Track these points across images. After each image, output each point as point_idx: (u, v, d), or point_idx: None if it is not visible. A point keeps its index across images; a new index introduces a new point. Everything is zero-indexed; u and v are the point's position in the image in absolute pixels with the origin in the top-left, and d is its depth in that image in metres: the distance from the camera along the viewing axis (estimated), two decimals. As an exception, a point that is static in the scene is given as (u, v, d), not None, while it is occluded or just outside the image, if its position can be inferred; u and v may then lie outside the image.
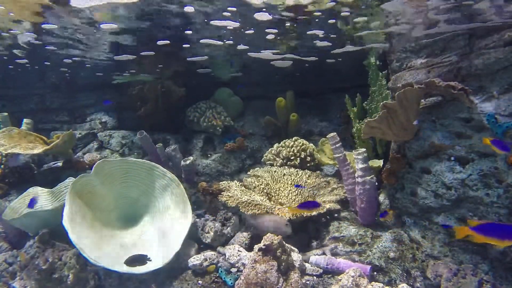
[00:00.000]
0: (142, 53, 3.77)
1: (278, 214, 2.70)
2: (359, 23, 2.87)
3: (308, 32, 3.13)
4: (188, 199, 2.95)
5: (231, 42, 3.43)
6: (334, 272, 2.47)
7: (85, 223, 2.58)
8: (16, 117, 4.13)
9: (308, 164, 3.75)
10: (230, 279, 2.42)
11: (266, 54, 3.84)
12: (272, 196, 3.27)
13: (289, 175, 3.50)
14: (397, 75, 2.92)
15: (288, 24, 2.97)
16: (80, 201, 2.67)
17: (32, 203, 2.66)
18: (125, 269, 2.34)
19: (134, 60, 3.97)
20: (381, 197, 2.93)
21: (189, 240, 2.83)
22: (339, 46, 3.63)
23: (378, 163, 3.21)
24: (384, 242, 2.57)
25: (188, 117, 4.52)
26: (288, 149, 3.80)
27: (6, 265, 2.65)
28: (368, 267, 2.39)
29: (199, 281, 2.51)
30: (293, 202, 3.21)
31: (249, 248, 2.67)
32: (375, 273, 2.42)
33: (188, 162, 3.44)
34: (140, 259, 2.31)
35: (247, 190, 3.25)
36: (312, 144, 3.91)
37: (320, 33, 3.12)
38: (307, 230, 2.98)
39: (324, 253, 2.67)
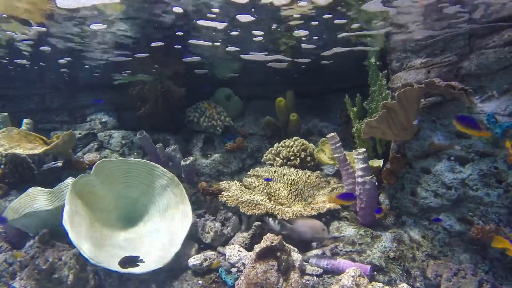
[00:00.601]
0: (137, 55, 3.79)
1: (278, 214, 2.70)
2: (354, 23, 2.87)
3: (294, 33, 3.13)
4: (188, 199, 2.95)
5: (218, 43, 3.45)
6: (334, 272, 2.47)
7: (85, 223, 2.58)
8: (16, 117, 4.12)
9: (308, 164, 3.75)
10: (230, 279, 2.42)
11: (258, 55, 3.85)
12: (272, 196, 3.27)
13: (289, 175, 3.50)
14: (397, 75, 2.92)
15: (274, 26, 2.99)
16: (80, 201, 2.67)
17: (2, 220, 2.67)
18: (125, 269, 2.34)
19: (134, 60, 3.98)
20: (381, 197, 2.93)
21: (189, 240, 2.83)
22: (328, 48, 3.65)
23: (378, 163, 3.21)
24: (384, 242, 2.57)
25: (188, 117, 4.52)
26: (288, 149, 3.80)
27: (6, 265, 2.65)
28: (368, 267, 2.39)
29: (199, 281, 2.51)
30: (293, 202, 3.21)
31: (249, 248, 2.67)
32: (375, 273, 2.42)
33: (188, 162, 3.44)
34: (132, 260, 2.30)
35: (247, 190, 3.25)
36: (312, 144, 3.91)
37: (304, 33, 3.13)
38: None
39: (324, 253, 2.67)
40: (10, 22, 2.87)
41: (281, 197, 3.28)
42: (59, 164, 3.82)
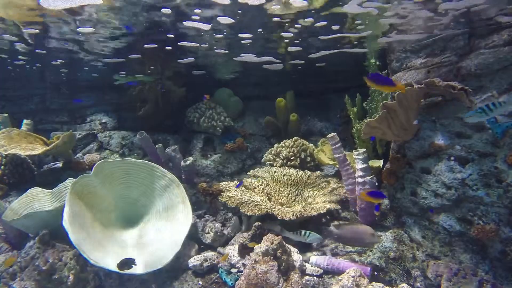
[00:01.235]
0: (130, 56, 3.80)
1: (278, 214, 2.69)
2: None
3: (283, 34, 3.15)
4: (188, 200, 2.95)
5: (206, 45, 3.48)
6: (335, 272, 2.46)
7: (85, 223, 2.58)
8: (16, 118, 4.12)
9: (308, 164, 3.75)
10: (231, 280, 2.42)
11: (249, 57, 3.87)
12: (272, 196, 3.27)
13: (289, 175, 3.50)
14: (397, 75, 2.92)
15: (260, 29, 3.02)
16: (80, 202, 2.67)
17: None
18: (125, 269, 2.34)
19: (133, 60, 3.99)
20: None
21: (189, 241, 2.83)
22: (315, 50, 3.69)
23: (378, 163, 3.21)
24: (384, 242, 2.57)
25: (188, 117, 4.52)
26: (288, 149, 3.80)
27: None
28: (369, 267, 2.38)
29: (200, 282, 2.51)
30: (293, 202, 3.21)
31: (250, 248, 2.67)
32: (375, 273, 2.42)
33: (188, 162, 3.44)
34: (128, 263, 2.30)
35: (247, 190, 3.25)
36: (312, 144, 3.91)
37: (289, 35, 3.15)
38: (308, 230, 2.97)
39: (324, 253, 2.67)
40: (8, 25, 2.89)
41: (281, 197, 3.28)
42: (59, 164, 3.82)
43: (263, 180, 3.42)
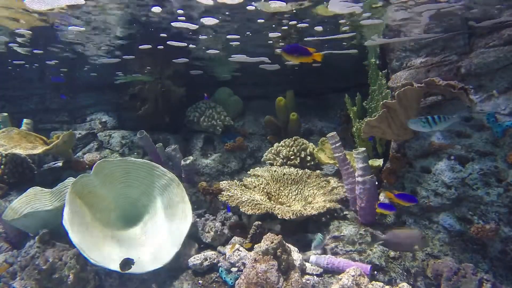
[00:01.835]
0: (125, 57, 3.82)
1: (278, 214, 2.69)
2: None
3: (270, 35, 3.17)
4: (188, 199, 2.95)
5: (194, 46, 3.52)
6: (335, 271, 2.47)
7: (85, 223, 2.58)
8: (16, 118, 4.12)
9: (308, 164, 3.75)
10: (231, 279, 2.42)
11: (241, 57, 3.90)
12: (272, 195, 3.27)
13: (289, 174, 3.50)
14: (397, 74, 2.92)
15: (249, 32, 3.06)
16: (80, 201, 2.67)
17: None
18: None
19: (134, 60, 3.99)
20: (381, 197, 2.93)
21: (189, 240, 2.83)
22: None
23: (378, 162, 3.21)
24: (384, 242, 2.56)
25: (188, 117, 4.52)
26: (288, 148, 3.80)
27: (6, 265, 2.65)
28: (369, 266, 2.38)
29: (200, 281, 2.51)
30: (293, 201, 3.21)
31: (250, 247, 2.67)
32: (375, 272, 2.42)
33: (188, 162, 3.44)
34: (129, 263, 2.31)
35: (247, 189, 3.25)
36: (312, 144, 3.91)
37: (275, 35, 3.16)
38: (308, 229, 2.98)
39: (324, 253, 2.67)
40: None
41: (281, 196, 3.28)
42: (59, 164, 3.82)
43: (263, 179, 3.42)
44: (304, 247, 2.77)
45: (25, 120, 3.91)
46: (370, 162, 3.03)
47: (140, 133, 3.68)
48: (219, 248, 2.84)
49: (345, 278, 2.17)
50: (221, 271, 2.51)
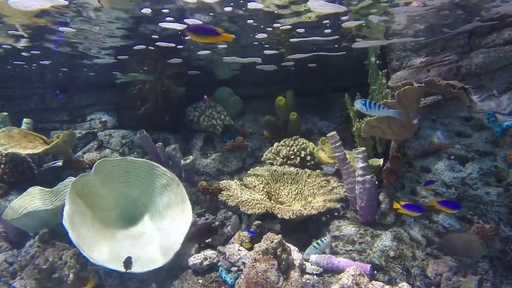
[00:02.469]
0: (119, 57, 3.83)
1: (278, 213, 2.69)
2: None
3: (257, 36, 3.18)
4: (188, 199, 2.95)
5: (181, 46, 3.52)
6: (334, 271, 2.47)
7: (85, 222, 2.58)
8: (16, 117, 4.12)
9: (308, 163, 3.75)
10: (231, 278, 2.42)
11: (233, 58, 3.94)
12: (272, 195, 3.27)
13: (289, 174, 3.50)
14: (397, 74, 2.92)
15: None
16: (80, 201, 2.67)
17: None
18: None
19: (133, 60, 3.99)
20: (381, 196, 2.93)
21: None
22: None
23: (378, 162, 3.21)
24: (384, 241, 2.57)
25: (188, 116, 4.52)
26: (288, 148, 3.80)
27: (6, 264, 2.65)
28: (368, 266, 2.39)
29: (200, 280, 2.51)
30: (293, 201, 3.21)
31: (250, 247, 2.67)
32: (375, 272, 2.43)
33: (188, 161, 3.44)
34: (131, 261, 2.31)
35: (247, 189, 3.25)
36: (312, 143, 3.91)
37: (262, 36, 3.17)
38: (307, 229, 2.98)
39: (324, 252, 2.67)
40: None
41: (281, 196, 3.28)
42: (59, 163, 3.82)
43: (263, 179, 3.42)
44: (304, 247, 2.77)
45: (25, 120, 3.92)
46: (370, 161, 3.03)
47: (140, 132, 3.68)
48: (219, 247, 2.84)
49: (345, 278, 2.17)
50: (221, 270, 2.51)
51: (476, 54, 2.36)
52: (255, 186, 3.31)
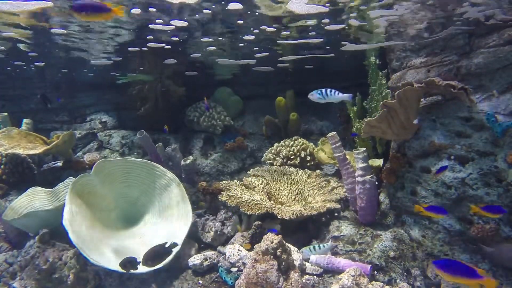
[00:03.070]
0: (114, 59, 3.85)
1: (278, 214, 2.69)
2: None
3: (245, 37, 3.20)
4: (188, 199, 2.95)
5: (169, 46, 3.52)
6: (334, 271, 2.47)
7: (85, 223, 2.58)
8: (16, 117, 4.12)
9: (308, 164, 3.75)
10: (231, 279, 2.42)
11: (226, 60, 3.97)
12: (272, 195, 3.27)
13: (289, 174, 3.50)
14: (397, 74, 2.92)
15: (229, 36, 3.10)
16: (80, 201, 2.67)
17: None
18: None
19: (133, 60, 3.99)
20: (381, 196, 2.93)
21: (189, 240, 2.83)
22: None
23: (378, 162, 3.21)
24: (384, 241, 2.56)
25: (188, 116, 4.52)
26: (288, 148, 3.80)
27: (6, 265, 2.65)
28: (369, 266, 2.38)
29: (200, 281, 2.51)
30: (293, 201, 3.21)
31: (250, 247, 2.67)
32: (375, 272, 2.42)
33: (188, 161, 3.44)
34: (132, 262, 2.30)
35: (247, 189, 3.25)
36: (312, 144, 3.91)
37: (250, 37, 3.18)
38: (307, 229, 2.98)
39: (325, 251, 2.67)
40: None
41: (281, 196, 3.28)
42: (59, 164, 3.82)
43: (263, 179, 3.42)
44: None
45: (25, 120, 3.92)
46: (370, 162, 3.03)
47: (140, 133, 3.68)
48: (219, 248, 2.84)
49: (345, 278, 2.17)
50: (221, 271, 2.51)
51: (476, 54, 2.36)
52: (255, 187, 3.31)
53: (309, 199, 3.20)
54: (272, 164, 3.82)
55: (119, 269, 2.30)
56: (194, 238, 2.92)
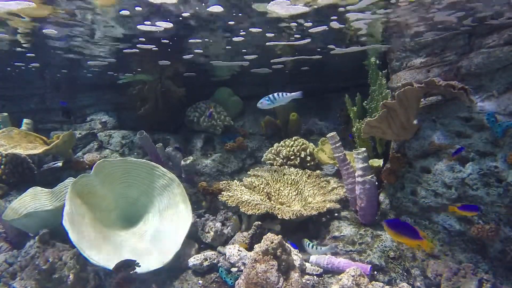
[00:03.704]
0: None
1: (278, 214, 2.69)
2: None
3: (234, 39, 3.19)
4: (188, 199, 2.95)
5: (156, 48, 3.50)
6: (335, 271, 2.47)
7: (85, 223, 2.58)
8: (16, 117, 4.12)
9: (308, 164, 3.75)
10: (231, 279, 2.42)
11: (219, 62, 3.98)
12: (272, 195, 3.27)
13: (289, 174, 3.50)
14: (397, 74, 2.92)
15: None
16: (80, 201, 2.67)
17: None
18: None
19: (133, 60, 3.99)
20: (381, 197, 2.93)
21: (189, 240, 2.83)
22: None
23: (378, 162, 3.21)
24: (384, 242, 2.57)
25: (188, 117, 4.52)
26: (288, 148, 3.80)
27: (6, 265, 2.65)
28: (369, 266, 2.39)
29: (200, 281, 2.51)
30: (293, 201, 3.21)
31: (250, 247, 2.67)
32: (375, 272, 2.42)
33: (188, 162, 3.44)
34: (129, 264, 2.30)
35: (247, 189, 3.25)
36: (312, 144, 3.91)
37: (239, 39, 3.18)
38: (308, 229, 2.98)
39: (324, 253, 2.67)
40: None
41: (281, 196, 3.28)
42: (59, 164, 3.82)
43: (263, 180, 3.42)
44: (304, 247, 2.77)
45: (25, 120, 3.92)
46: (370, 162, 3.03)
47: (140, 133, 3.68)
48: (219, 248, 2.84)
49: (345, 278, 2.17)
50: (221, 271, 2.51)
51: (476, 54, 2.36)
52: (255, 187, 3.31)
53: (309, 199, 3.20)
54: (272, 164, 3.82)
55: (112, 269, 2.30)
56: (194, 238, 2.92)
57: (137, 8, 2.46)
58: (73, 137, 3.67)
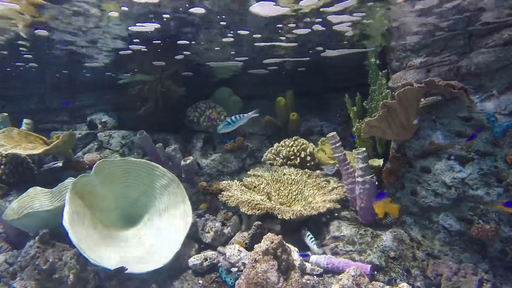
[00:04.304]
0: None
1: (278, 214, 2.69)
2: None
3: (223, 40, 3.22)
4: (188, 199, 2.95)
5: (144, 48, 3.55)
6: (335, 271, 2.47)
7: (85, 223, 2.58)
8: (16, 117, 4.12)
9: (308, 164, 3.75)
10: (231, 279, 2.42)
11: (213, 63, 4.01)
12: (272, 195, 3.27)
13: (289, 174, 3.50)
14: (397, 74, 2.92)
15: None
16: (80, 201, 2.67)
17: None
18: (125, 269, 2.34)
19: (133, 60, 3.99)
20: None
21: (189, 240, 2.83)
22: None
23: (378, 162, 3.21)
24: (384, 242, 2.57)
25: (188, 116, 4.52)
26: (288, 148, 3.80)
27: (6, 265, 2.65)
28: (369, 266, 2.39)
29: (200, 281, 2.51)
30: (293, 201, 3.21)
31: (250, 247, 2.67)
32: (375, 272, 2.42)
33: (188, 162, 3.44)
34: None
35: (247, 189, 3.25)
36: (312, 144, 3.90)
37: (230, 40, 3.20)
38: (308, 229, 2.98)
39: (324, 253, 2.67)
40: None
41: (282, 196, 3.28)
42: (59, 164, 3.81)
43: (263, 180, 3.41)
44: (304, 247, 2.77)
45: (25, 120, 3.91)
46: (370, 162, 3.03)
47: (140, 133, 3.68)
48: (219, 248, 2.84)
49: (345, 278, 2.17)
50: (221, 271, 2.51)
51: (476, 54, 2.36)
52: (255, 187, 3.31)
53: (309, 199, 3.20)
54: (272, 164, 3.82)
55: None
56: (194, 238, 2.92)
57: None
58: (73, 137, 3.67)
